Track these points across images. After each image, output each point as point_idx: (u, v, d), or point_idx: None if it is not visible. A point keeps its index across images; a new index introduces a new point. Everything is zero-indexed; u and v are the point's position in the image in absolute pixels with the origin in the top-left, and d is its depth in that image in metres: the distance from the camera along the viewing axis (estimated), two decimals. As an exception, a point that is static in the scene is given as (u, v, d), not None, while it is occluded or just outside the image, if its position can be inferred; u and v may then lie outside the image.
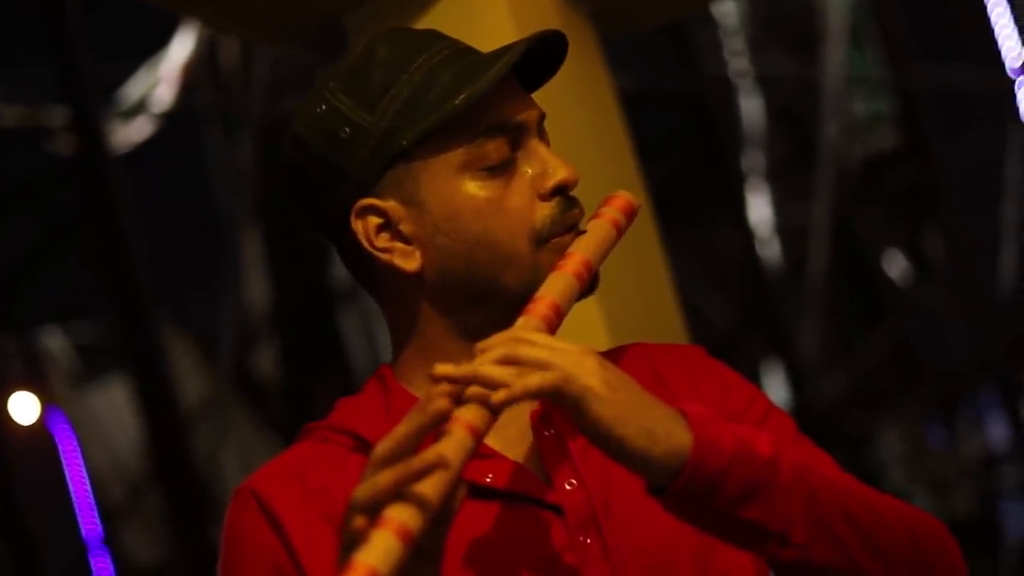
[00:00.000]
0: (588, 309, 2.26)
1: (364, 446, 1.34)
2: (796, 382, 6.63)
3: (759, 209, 7.18)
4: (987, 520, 6.84)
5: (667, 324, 2.59)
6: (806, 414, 6.40)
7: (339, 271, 6.33)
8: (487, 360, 1.22)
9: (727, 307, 7.30)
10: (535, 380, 1.20)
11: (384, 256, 1.38)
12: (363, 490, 1.17)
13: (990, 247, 7.43)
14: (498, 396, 1.19)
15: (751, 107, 7.32)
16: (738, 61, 7.35)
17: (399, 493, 1.16)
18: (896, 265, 7.58)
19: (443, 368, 1.22)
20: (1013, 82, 7.32)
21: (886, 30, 7.47)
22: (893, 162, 7.56)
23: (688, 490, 1.22)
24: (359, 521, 1.16)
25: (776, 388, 6.75)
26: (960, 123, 7.77)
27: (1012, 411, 7.01)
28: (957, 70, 7.64)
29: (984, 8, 7.36)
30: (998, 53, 7.34)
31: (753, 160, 7.26)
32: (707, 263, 7.12)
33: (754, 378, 6.77)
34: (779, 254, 7.15)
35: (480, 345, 1.24)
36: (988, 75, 7.47)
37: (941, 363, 7.45)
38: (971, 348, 7.29)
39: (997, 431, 7.19)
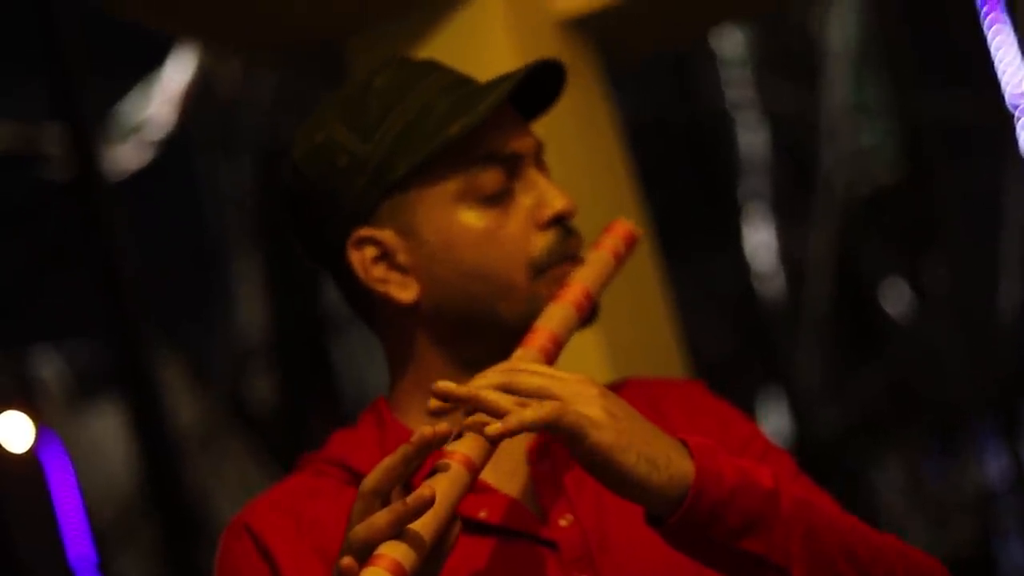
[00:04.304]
0: (586, 338, 2.25)
1: (357, 479, 1.33)
2: (795, 413, 6.62)
3: (760, 239, 7.17)
4: (985, 554, 6.82)
5: (666, 353, 2.57)
6: (805, 445, 6.38)
7: (334, 297, 6.32)
8: (485, 386, 1.20)
9: (726, 336, 7.29)
10: (530, 414, 1.17)
11: (380, 287, 1.36)
12: (360, 531, 1.14)
13: (991, 279, 7.43)
14: (492, 428, 1.17)
15: (753, 138, 7.32)
16: (740, 91, 7.36)
17: None
18: (896, 296, 7.57)
19: (444, 384, 1.19)
20: (1013, 115, 7.33)
21: (890, 62, 7.48)
22: (895, 194, 7.56)
23: (689, 520, 1.20)
24: (350, 559, 1.14)
25: (774, 419, 6.73)
26: (963, 155, 7.78)
27: (1011, 445, 6.99)
28: (960, 102, 7.65)
29: (986, 41, 7.37)
30: (999, 85, 7.35)
31: (754, 191, 7.26)
32: (707, 292, 7.11)
33: (752, 410, 6.75)
34: (779, 286, 7.15)
35: (477, 377, 1.22)
36: (990, 107, 7.48)
37: (941, 395, 7.44)
38: (971, 381, 7.27)
39: (996, 465, 7.17)
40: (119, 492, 5.81)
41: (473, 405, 1.19)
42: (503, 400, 1.18)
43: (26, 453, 5.11)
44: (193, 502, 5.08)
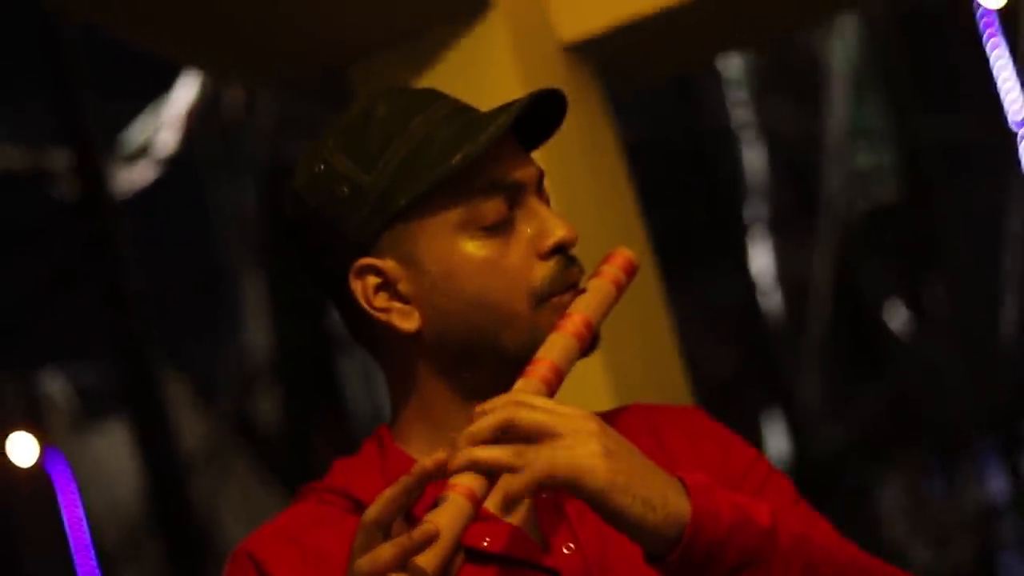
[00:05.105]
0: (590, 361, 2.26)
1: (360, 508, 1.32)
2: (796, 431, 6.61)
3: (761, 259, 7.18)
4: (987, 571, 6.81)
5: (669, 375, 2.58)
6: (806, 463, 6.38)
7: (338, 317, 6.30)
8: (485, 428, 1.21)
9: (728, 355, 7.28)
10: (518, 482, 1.18)
11: (382, 316, 1.36)
12: (363, 564, 1.15)
13: (991, 298, 7.42)
14: (491, 504, 1.18)
15: (754, 157, 7.33)
16: (742, 112, 7.37)
17: None
18: (897, 316, 7.57)
19: (437, 456, 1.20)
20: (1015, 134, 7.33)
21: (890, 81, 7.49)
22: (896, 213, 7.56)
23: (686, 560, 1.20)
24: None
25: (776, 437, 6.73)
26: (963, 175, 7.78)
27: (1012, 463, 6.98)
28: (959, 122, 7.65)
29: (987, 60, 7.38)
30: (1000, 105, 7.35)
31: (756, 210, 7.27)
32: (709, 311, 7.11)
33: (754, 428, 6.73)
34: (780, 304, 7.14)
35: (479, 408, 1.22)
36: (990, 126, 7.48)
37: (941, 414, 7.43)
38: (972, 399, 7.27)
39: (997, 483, 7.16)
40: (125, 510, 5.81)
41: (473, 469, 1.20)
42: (501, 454, 1.19)
43: (33, 472, 5.12)
44: (198, 520, 5.07)
